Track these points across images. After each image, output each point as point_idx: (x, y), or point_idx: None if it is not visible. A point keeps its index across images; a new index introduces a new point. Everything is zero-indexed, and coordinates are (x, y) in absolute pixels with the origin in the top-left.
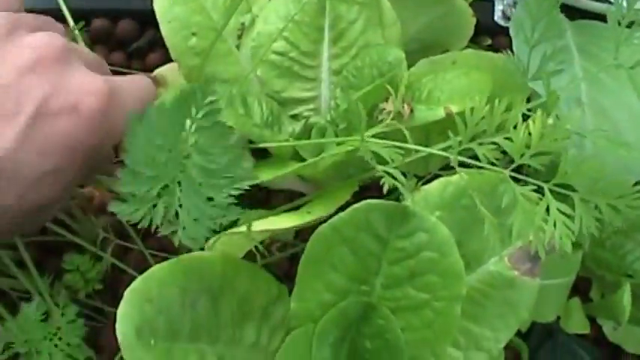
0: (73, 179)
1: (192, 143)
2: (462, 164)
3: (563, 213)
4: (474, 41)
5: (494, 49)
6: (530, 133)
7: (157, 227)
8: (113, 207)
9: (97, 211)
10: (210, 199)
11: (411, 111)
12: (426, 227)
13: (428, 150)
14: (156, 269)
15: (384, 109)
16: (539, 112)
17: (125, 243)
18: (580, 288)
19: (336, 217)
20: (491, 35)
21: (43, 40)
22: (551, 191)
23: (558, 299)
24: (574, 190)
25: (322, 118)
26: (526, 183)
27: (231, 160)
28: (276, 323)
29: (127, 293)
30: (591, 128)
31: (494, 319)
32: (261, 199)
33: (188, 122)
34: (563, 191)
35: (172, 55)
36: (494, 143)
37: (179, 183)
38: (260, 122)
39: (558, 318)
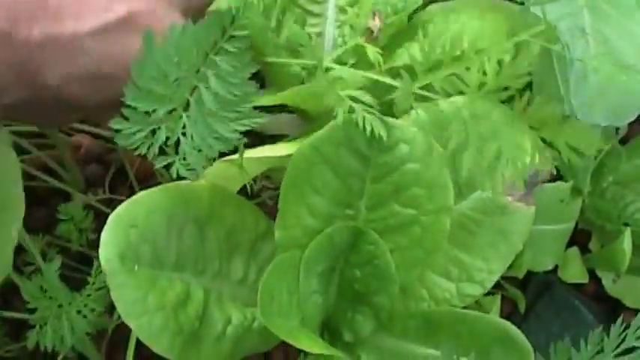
0: (110, 100)
1: (214, 66)
2: None
3: None
4: None
5: None
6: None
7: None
8: (114, 123)
9: (84, 161)
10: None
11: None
12: (407, 138)
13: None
14: (141, 195)
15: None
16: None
17: (112, 195)
18: (579, 240)
19: (314, 135)
20: None
21: None
22: None
23: (556, 247)
24: None
25: (327, 55)
26: None
27: (246, 94)
28: (264, 260)
29: (111, 218)
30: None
31: (487, 249)
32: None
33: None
34: None
35: None
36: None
37: (186, 108)
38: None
39: (556, 271)
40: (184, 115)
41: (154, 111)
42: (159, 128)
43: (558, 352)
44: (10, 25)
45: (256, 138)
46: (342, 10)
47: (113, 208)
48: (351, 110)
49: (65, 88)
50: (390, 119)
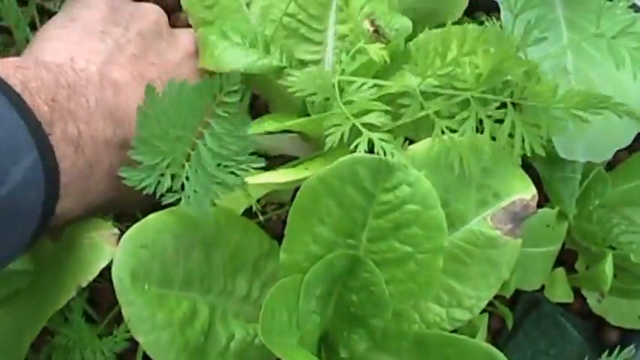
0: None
1: (208, 127)
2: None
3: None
4: (470, 16)
5: None
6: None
7: (162, 196)
8: (123, 171)
9: None
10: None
11: (376, 31)
12: (409, 180)
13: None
14: (152, 217)
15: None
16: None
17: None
18: (566, 260)
19: (322, 169)
20: (486, 11)
21: (191, 36)
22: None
23: (543, 267)
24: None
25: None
26: None
27: (241, 149)
28: (267, 278)
29: (123, 238)
30: None
31: (476, 278)
32: None
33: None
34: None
35: (182, 5)
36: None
37: (188, 159)
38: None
39: (543, 289)
40: (187, 164)
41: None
42: (162, 175)
43: None
44: (123, 132)
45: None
46: (341, 37)
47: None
48: (369, 140)
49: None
50: (396, 161)
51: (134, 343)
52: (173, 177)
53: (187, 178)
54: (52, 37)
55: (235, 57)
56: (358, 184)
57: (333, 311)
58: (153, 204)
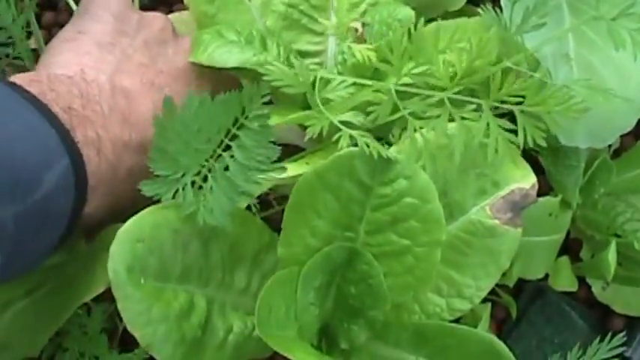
0: None
1: (237, 139)
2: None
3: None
4: (474, 4)
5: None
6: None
7: None
8: (143, 186)
9: None
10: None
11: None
12: (407, 174)
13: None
14: (149, 210)
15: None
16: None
17: None
18: (571, 249)
19: (319, 164)
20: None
21: None
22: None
23: (547, 256)
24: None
25: (328, 71)
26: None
27: (267, 158)
28: (267, 270)
29: (119, 233)
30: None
31: (476, 268)
32: None
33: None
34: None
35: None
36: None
37: (209, 170)
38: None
39: (548, 278)
40: (209, 176)
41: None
42: (184, 189)
43: None
44: (138, 136)
45: None
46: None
47: None
48: (352, 139)
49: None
50: (393, 154)
51: None
52: (193, 185)
53: (211, 189)
54: (62, 51)
55: (229, 54)
56: (356, 178)
57: (332, 303)
58: None
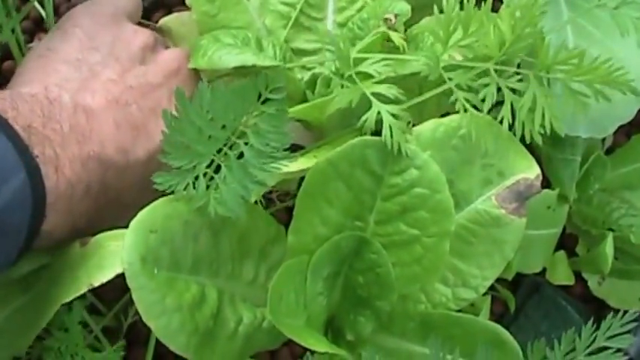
0: None
1: (252, 125)
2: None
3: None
4: None
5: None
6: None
7: None
8: (156, 177)
9: None
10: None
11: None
12: (417, 164)
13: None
14: (160, 202)
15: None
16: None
17: None
18: (567, 245)
19: (332, 152)
20: None
21: (180, 53)
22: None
23: (545, 250)
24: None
25: (327, 69)
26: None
27: (281, 145)
28: (273, 263)
29: (132, 223)
30: None
31: (481, 257)
32: None
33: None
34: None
35: (187, 0)
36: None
37: (223, 159)
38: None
39: (545, 274)
40: (223, 165)
41: (194, 167)
42: (197, 178)
43: (535, 351)
44: (123, 156)
45: None
46: (340, 25)
47: None
48: (378, 115)
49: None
50: (404, 144)
51: None
52: (206, 175)
53: (224, 178)
54: (30, 69)
55: (229, 55)
56: (367, 167)
57: (339, 293)
58: None
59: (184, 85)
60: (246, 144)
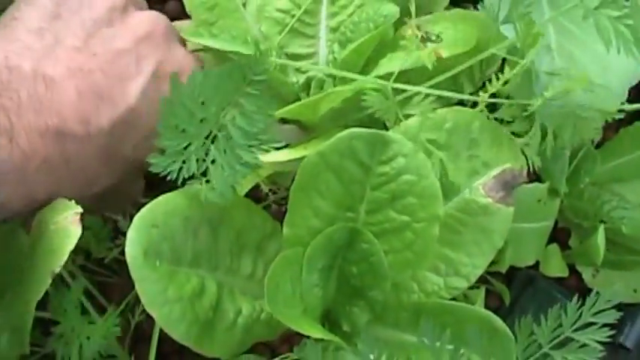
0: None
1: (239, 106)
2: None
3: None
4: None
5: None
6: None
7: (184, 181)
8: (151, 158)
9: None
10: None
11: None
12: (404, 152)
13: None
14: (161, 199)
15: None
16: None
17: None
18: (559, 239)
19: (322, 145)
20: (473, 3)
21: (152, 16)
22: None
23: (537, 243)
24: None
25: (320, 71)
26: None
27: (267, 125)
28: (270, 258)
29: (136, 218)
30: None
31: (470, 246)
32: None
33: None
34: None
35: (187, 8)
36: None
37: (213, 141)
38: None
39: (539, 267)
40: (212, 147)
41: (186, 146)
42: (189, 159)
43: (522, 327)
44: (84, 126)
45: None
46: (332, 30)
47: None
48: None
49: (137, 155)
50: (391, 134)
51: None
52: (198, 161)
53: (213, 161)
54: None
55: (223, 42)
56: (356, 158)
57: (334, 285)
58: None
59: (155, 52)
60: (233, 125)
